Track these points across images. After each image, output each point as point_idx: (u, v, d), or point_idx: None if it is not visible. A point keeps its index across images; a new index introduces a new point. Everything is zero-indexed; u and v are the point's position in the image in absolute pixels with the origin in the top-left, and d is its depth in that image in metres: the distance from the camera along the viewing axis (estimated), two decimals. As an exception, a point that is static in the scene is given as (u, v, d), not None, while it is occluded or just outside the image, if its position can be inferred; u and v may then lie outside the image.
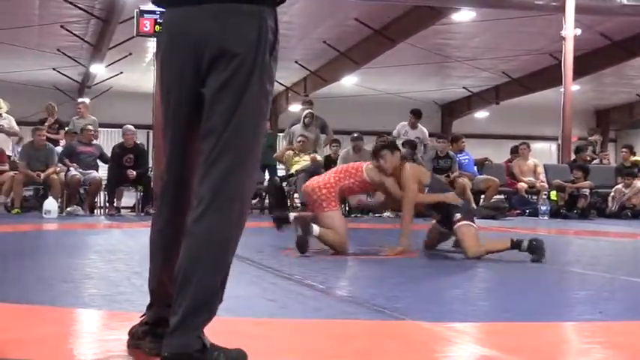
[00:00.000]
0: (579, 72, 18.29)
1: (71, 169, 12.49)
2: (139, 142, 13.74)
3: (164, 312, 2.64)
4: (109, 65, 20.84)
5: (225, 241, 2.53)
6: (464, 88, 26.17)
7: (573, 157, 16.13)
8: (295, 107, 21.15)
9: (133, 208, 13.58)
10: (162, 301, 2.72)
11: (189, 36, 2.51)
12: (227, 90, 2.46)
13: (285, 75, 23.82)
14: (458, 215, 6.38)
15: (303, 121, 14.11)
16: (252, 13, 2.48)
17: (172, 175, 2.66)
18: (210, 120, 2.47)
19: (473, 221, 6.44)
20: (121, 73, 22.11)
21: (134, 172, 12.48)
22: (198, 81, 2.50)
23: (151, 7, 13.96)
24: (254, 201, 15.21)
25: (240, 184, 2.51)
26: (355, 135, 13.42)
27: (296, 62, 21.88)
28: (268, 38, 2.50)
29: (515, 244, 6.14)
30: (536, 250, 6.02)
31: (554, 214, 13.53)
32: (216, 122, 2.46)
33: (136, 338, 2.81)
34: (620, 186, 14.15)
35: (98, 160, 13.12)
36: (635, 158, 16.01)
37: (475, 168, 14.12)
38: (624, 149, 16.02)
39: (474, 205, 13.65)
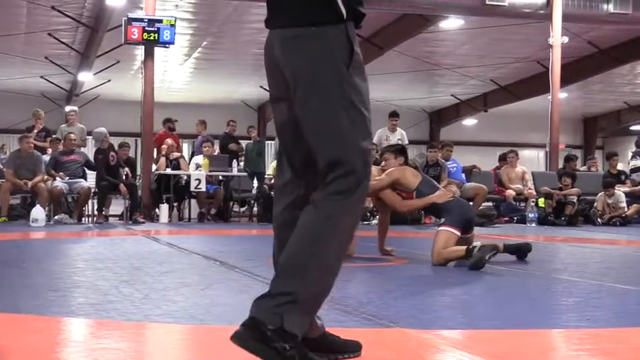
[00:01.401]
0: (567, 80, 18.39)
1: (57, 179, 12.45)
2: (122, 144, 13.74)
3: None
4: (97, 73, 20.80)
5: None
6: (452, 95, 26.24)
7: (562, 164, 16.19)
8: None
9: (121, 216, 13.55)
10: None
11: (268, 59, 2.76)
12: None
13: (274, 83, 23.82)
14: (442, 220, 6.44)
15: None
16: (314, 35, 2.60)
17: None
18: None
19: (458, 228, 6.42)
20: (109, 81, 22.07)
21: (123, 186, 12.48)
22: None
23: (138, 14, 13.97)
24: (243, 209, 15.22)
25: None
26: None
27: (284, 70, 21.89)
28: (333, 55, 2.59)
29: (469, 252, 6.12)
30: (484, 251, 6.00)
31: (542, 221, 13.57)
32: None
33: None
34: (601, 194, 14.22)
35: (85, 169, 13.07)
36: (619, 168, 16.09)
37: (463, 175, 14.14)
38: (615, 157, 16.11)
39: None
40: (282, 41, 2.66)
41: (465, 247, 6.22)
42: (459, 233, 6.41)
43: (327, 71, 2.58)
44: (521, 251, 6.77)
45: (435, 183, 7.01)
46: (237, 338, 2.56)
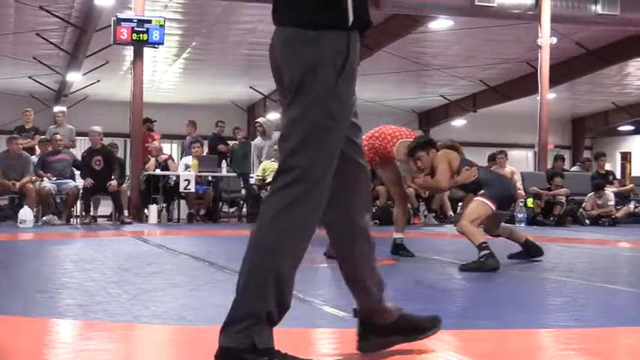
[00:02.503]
0: (555, 80, 18.44)
1: (44, 179, 12.40)
2: (110, 145, 13.69)
3: None
4: (86, 73, 20.74)
5: None
6: (441, 96, 26.28)
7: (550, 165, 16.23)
8: (273, 115, 21.15)
9: (109, 217, 13.51)
10: None
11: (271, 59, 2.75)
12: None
13: (263, 83, 23.81)
14: (482, 191, 6.44)
15: (257, 130, 14.48)
16: (314, 39, 2.57)
17: None
18: None
19: (495, 202, 6.39)
20: (98, 81, 22.02)
21: (114, 182, 12.41)
22: None
23: (127, 15, 13.94)
24: (232, 209, 15.21)
25: None
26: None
27: (274, 71, 21.88)
28: (326, 63, 2.55)
29: (483, 246, 6.13)
30: (484, 265, 6.01)
31: (531, 221, 13.60)
32: None
33: None
34: (592, 194, 14.28)
35: (74, 169, 13.03)
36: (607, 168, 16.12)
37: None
38: (603, 157, 16.15)
39: (451, 213, 13.71)
40: (281, 41, 2.65)
41: (484, 239, 6.20)
42: (494, 207, 6.39)
43: (316, 80, 2.55)
44: (531, 254, 6.81)
45: (471, 160, 6.99)
46: None
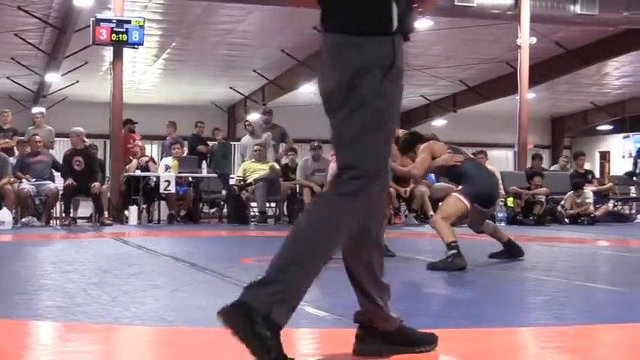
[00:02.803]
0: (535, 80, 18.54)
1: (23, 181, 12.32)
2: (90, 146, 13.62)
3: None
4: (65, 74, 20.61)
5: None
6: (422, 96, 26.33)
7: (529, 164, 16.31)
8: (254, 116, 21.13)
9: (89, 219, 13.45)
10: None
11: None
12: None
13: (243, 84, 23.79)
14: (460, 187, 6.47)
15: (246, 129, 14.42)
16: (359, 44, 2.68)
17: None
18: None
19: (470, 199, 6.38)
20: (77, 82, 21.88)
21: (97, 184, 12.35)
22: None
23: (107, 15, 13.87)
24: (212, 210, 15.18)
25: None
26: (315, 144, 13.44)
27: (254, 71, 21.86)
28: (373, 68, 2.67)
29: (452, 245, 6.17)
30: (452, 265, 6.03)
31: (511, 220, 13.66)
32: None
33: None
34: (571, 193, 14.36)
35: (53, 170, 12.95)
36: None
37: (433, 176, 14.19)
38: (582, 157, 16.27)
39: (431, 213, 13.73)
40: (328, 47, 2.76)
41: (453, 237, 6.20)
42: (468, 204, 6.38)
43: (363, 82, 2.66)
44: (512, 254, 6.84)
45: (458, 147, 7.00)
46: (224, 317, 2.61)
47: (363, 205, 2.70)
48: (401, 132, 7.08)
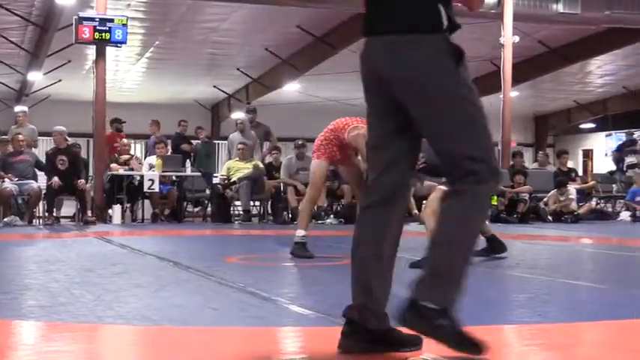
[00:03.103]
0: (518, 78, 18.60)
1: (6, 180, 12.25)
2: (73, 145, 13.56)
3: None
4: (48, 73, 20.52)
5: None
6: (405, 94, 26.39)
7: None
8: (238, 115, 21.11)
9: (72, 218, 13.39)
10: None
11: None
12: None
13: (227, 82, 23.74)
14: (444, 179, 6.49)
15: (237, 127, 14.35)
16: (419, 42, 2.81)
17: None
18: None
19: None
20: (60, 80, 21.79)
21: (82, 181, 12.32)
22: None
23: (89, 13, 13.81)
24: (196, 209, 15.15)
25: None
26: (299, 142, 13.44)
27: (238, 69, 21.83)
28: (443, 59, 2.81)
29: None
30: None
31: (495, 218, 13.69)
32: None
33: None
34: (554, 191, 14.43)
35: (36, 169, 12.89)
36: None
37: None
38: (565, 155, 16.37)
39: (415, 212, 13.75)
40: (386, 48, 2.83)
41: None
42: None
43: (441, 75, 2.78)
44: (495, 249, 6.87)
45: None
46: (405, 321, 2.83)
47: (489, 194, 2.89)
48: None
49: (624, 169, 18.75)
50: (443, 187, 6.46)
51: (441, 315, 2.78)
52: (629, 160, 19.10)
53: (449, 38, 2.85)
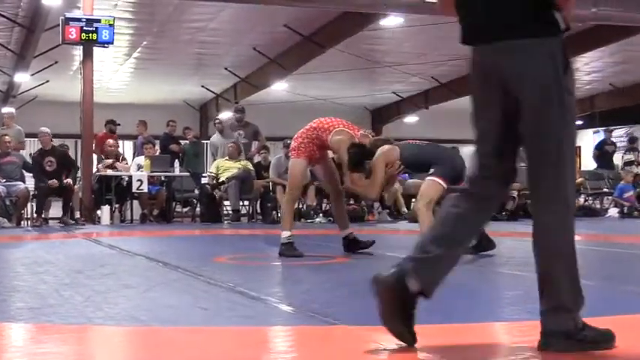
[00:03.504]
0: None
1: (-7, 181, 12.22)
2: (61, 145, 13.51)
3: None
4: (35, 74, 20.43)
5: None
6: (393, 93, 26.39)
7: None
8: (226, 114, 21.06)
9: (61, 219, 13.34)
10: None
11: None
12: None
13: (215, 82, 23.69)
14: (432, 170, 6.45)
15: (215, 127, 14.41)
16: (535, 45, 2.91)
17: None
18: None
19: (446, 179, 6.40)
20: (47, 81, 21.71)
21: (69, 180, 12.28)
22: None
23: (76, 14, 13.76)
24: (185, 209, 15.14)
25: None
26: (288, 142, 13.38)
27: (226, 69, 21.78)
28: (557, 65, 2.92)
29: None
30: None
31: (484, 216, 13.73)
32: None
33: None
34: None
35: (24, 171, 12.85)
36: None
37: (407, 175, 14.24)
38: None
39: (404, 210, 13.79)
40: (507, 52, 2.94)
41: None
42: (445, 185, 6.41)
43: (554, 81, 2.88)
44: (484, 246, 6.88)
45: (416, 141, 7.02)
46: (554, 348, 2.97)
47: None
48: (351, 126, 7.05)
49: (623, 166, 18.83)
50: (432, 179, 6.45)
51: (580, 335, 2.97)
52: (627, 157, 19.19)
53: (562, 40, 2.95)
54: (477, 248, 6.90)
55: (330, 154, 7.22)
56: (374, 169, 6.61)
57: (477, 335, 3.46)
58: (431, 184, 6.43)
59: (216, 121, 14.73)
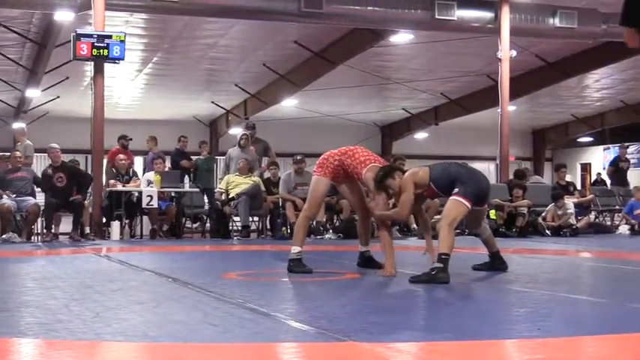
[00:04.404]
0: (515, 93, 18.63)
1: (4, 197, 12.22)
2: (71, 161, 13.54)
3: None
4: (46, 89, 20.54)
5: None
6: (403, 109, 26.43)
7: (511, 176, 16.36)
8: (236, 130, 21.10)
9: (71, 234, 13.35)
10: None
11: None
12: None
13: (225, 98, 23.79)
14: (456, 189, 6.42)
15: (239, 143, 14.23)
16: None
17: None
18: None
19: (470, 200, 6.36)
20: (58, 97, 21.82)
21: (80, 197, 12.32)
22: None
23: (88, 30, 13.84)
24: (195, 225, 15.12)
25: None
26: (298, 157, 13.42)
27: (236, 85, 21.87)
28: None
29: (442, 258, 6.17)
30: (434, 278, 6.03)
31: (494, 232, 13.57)
32: None
33: None
34: (552, 205, 14.41)
35: (34, 186, 12.87)
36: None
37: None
38: (563, 169, 16.38)
39: (414, 226, 13.74)
40: None
41: (445, 251, 6.14)
42: (469, 205, 6.38)
43: None
44: (496, 266, 6.89)
45: (442, 162, 7.03)
46: None
47: None
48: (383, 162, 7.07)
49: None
50: (456, 199, 6.42)
51: None
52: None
53: None
54: (488, 266, 6.88)
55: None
56: (403, 188, 6.59)
57: (486, 352, 3.44)
58: (455, 204, 6.40)
59: (243, 135, 14.59)
